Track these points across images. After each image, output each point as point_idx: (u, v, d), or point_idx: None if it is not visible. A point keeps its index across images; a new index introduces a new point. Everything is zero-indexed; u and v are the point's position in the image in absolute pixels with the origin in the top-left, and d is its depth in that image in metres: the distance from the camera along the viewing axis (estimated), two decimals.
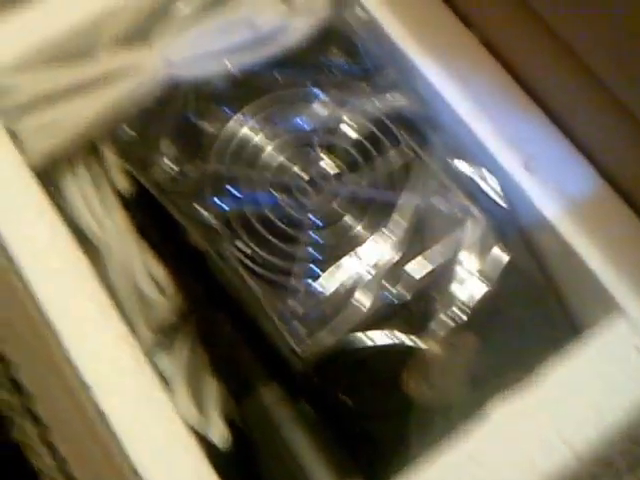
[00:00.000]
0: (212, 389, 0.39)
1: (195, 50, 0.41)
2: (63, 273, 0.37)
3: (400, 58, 0.42)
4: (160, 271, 0.41)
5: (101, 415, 0.34)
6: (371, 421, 0.37)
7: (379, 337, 0.35)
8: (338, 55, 0.43)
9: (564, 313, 0.40)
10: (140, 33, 0.43)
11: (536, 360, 0.35)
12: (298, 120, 0.40)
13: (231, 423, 0.38)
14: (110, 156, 0.42)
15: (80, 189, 0.42)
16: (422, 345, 0.36)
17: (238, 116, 0.40)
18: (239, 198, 0.39)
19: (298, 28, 0.42)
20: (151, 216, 0.41)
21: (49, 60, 0.42)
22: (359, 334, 0.35)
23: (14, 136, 0.40)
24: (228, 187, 0.39)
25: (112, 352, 0.35)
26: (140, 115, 0.41)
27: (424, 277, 0.37)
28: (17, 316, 0.36)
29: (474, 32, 0.43)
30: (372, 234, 0.38)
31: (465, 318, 0.36)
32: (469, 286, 0.37)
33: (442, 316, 0.36)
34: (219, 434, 0.37)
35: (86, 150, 0.42)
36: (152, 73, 0.41)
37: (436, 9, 0.43)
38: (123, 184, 0.42)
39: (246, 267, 0.37)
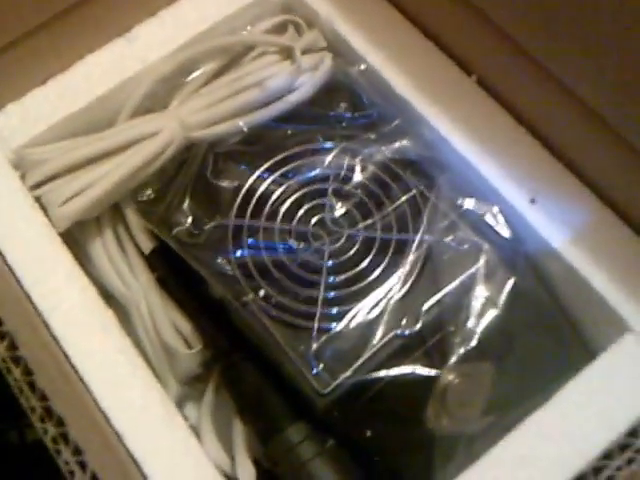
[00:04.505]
0: (239, 433, 0.40)
1: (209, 113, 0.43)
2: (92, 330, 0.38)
3: (404, 107, 0.44)
4: (185, 324, 0.42)
5: (134, 461, 0.35)
6: (395, 455, 0.37)
7: (396, 371, 0.36)
8: (345, 108, 0.44)
9: (577, 337, 0.40)
10: (158, 100, 0.45)
11: (552, 384, 0.36)
12: (312, 173, 0.42)
13: (258, 464, 0.39)
14: (132, 217, 0.44)
15: (105, 249, 0.44)
16: (438, 376, 0.36)
17: (256, 173, 0.42)
18: (259, 249, 0.40)
19: (305, 85, 0.45)
20: (174, 272, 0.43)
21: (74, 131, 0.44)
22: (377, 369, 0.36)
23: (41, 204, 0.42)
24: (248, 239, 0.40)
25: (142, 401, 0.37)
26: (159, 176, 0.43)
27: (437, 310, 0.38)
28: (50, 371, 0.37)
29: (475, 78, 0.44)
30: (388, 275, 0.39)
31: (475, 344, 0.37)
32: (478, 312, 0.38)
33: (455, 345, 0.37)
34: (248, 475, 0.38)
35: (110, 211, 0.44)
36: (170, 136, 0.42)
37: (435, 58, 0.45)
38: (145, 243, 0.44)
39: (266, 313, 0.38)
